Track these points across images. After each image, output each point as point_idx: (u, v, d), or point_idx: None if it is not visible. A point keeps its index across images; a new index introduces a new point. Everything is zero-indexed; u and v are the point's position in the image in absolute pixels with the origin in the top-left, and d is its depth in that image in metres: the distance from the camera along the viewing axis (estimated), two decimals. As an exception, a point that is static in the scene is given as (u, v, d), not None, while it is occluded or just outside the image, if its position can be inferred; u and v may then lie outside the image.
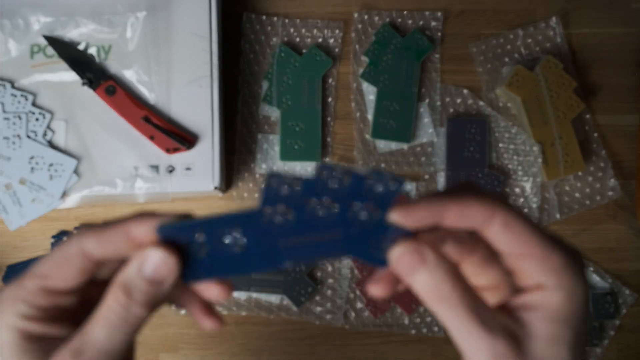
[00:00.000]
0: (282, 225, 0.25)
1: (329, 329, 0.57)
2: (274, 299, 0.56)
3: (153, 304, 0.25)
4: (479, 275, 0.28)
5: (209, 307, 0.29)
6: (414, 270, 0.24)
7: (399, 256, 0.24)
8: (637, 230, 0.58)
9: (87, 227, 0.25)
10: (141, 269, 0.24)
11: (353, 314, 0.56)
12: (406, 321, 0.56)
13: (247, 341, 0.57)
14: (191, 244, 0.25)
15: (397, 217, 0.24)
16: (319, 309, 0.56)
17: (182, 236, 0.25)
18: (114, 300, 0.24)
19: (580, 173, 0.58)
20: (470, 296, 0.23)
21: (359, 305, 0.56)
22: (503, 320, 0.23)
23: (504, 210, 0.24)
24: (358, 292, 0.56)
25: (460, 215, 0.24)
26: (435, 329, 0.56)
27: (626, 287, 0.57)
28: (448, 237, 0.28)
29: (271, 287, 0.56)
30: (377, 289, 0.26)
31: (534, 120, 0.56)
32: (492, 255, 0.27)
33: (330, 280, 0.57)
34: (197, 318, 0.28)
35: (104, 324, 0.24)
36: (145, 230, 0.24)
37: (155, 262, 0.24)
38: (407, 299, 0.56)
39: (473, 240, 0.28)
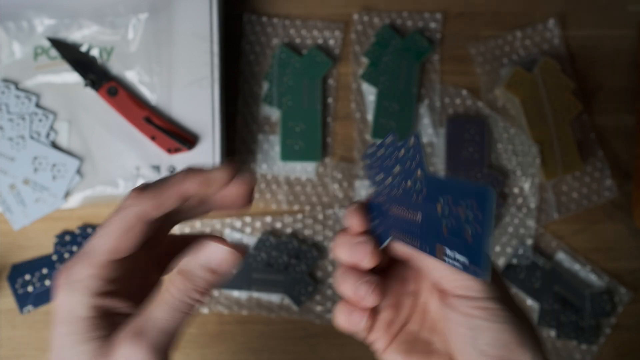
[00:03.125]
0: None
1: (329, 328, 0.57)
2: (274, 298, 0.57)
3: (210, 290, 0.27)
4: None
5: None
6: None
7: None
8: (633, 229, 0.59)
9: (141, 190, 0.27)
10: (206, 262, 0.27)
11: (353, 313, 0.57)
12: (405, 320, 0.57)
13: (248, 340, 0.57)
14: None
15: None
16: (319, 308, 0.57)
17: None
18: (176, 286, 0.26)
19: (578, 173, 0.59)
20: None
21: (359, 304, 0.57)
22: None
23: None
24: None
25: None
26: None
27: (622, 285, 0.58)
28: None
29: (272, 286, 0.56)
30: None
31: (533, 121, 0.57)
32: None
33: (331, 280, 0.57)
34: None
35: (166, 307, 0.26)
36: (196, 185, 0.27)
37: (220, 258, 0.27)
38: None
39: None
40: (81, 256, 0.26)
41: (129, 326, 0.26)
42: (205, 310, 0.56)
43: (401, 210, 0.25)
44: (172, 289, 0.26)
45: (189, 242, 0.31)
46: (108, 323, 0.26)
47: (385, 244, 0.27)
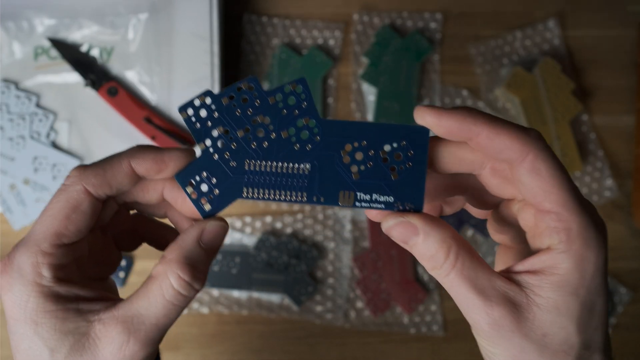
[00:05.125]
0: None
1: (329, 328, 0.57)
2: (274, 298, 0.57)
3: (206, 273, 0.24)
4: (498, 232, 0.27)
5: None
6: (408, 239, 0.23)
7: (391, 226, 0.23)
8: (633, 229, 0.59)
9: (84, 166, 0.24)
10: (201, 241, 0.24)
11: (353, 313, 0.57)
12: (406, 320, 0.57)
13: (248, 340, 0.57)
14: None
15: (429, 117, 0.22)
16: (319, 308, 0.57)
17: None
18: (175, 277, 0.23)
19: (578, 173, 0.59)
20: (466, 263, 0.22)
21: (359, 304, 0.57)
22: (504, 287, 0.22)
23: (538, 151, 0.21)
24: (358, 292, 0.57)
25: (492, 141, 0.22)
26: (435, 328, 0.57)
27: (622, 285, 0.58)
28: (469, 191, 0.26)
29: (272, 286, 0.56)
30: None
31: (533, 121, 0.57)
32: (511, 215, 0.25)
33: (331, 280, 0.57)
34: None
35: (163, 303, 0.23)
36: (148, 164, 0.24)
37: (214, 232, 0.24)
38: (407, 299, 0.56)
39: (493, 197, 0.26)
40: (23, 244, 0.23)
41: (114, 317, 0.23)
42: (205, 310, 0.56)
43: (267, 164, 0.23)
44: (173, 282, 0.23)
45: (155, 223, 0.29)
46: (75, 313, 0.23)
47: (226, 205, 0.24)
